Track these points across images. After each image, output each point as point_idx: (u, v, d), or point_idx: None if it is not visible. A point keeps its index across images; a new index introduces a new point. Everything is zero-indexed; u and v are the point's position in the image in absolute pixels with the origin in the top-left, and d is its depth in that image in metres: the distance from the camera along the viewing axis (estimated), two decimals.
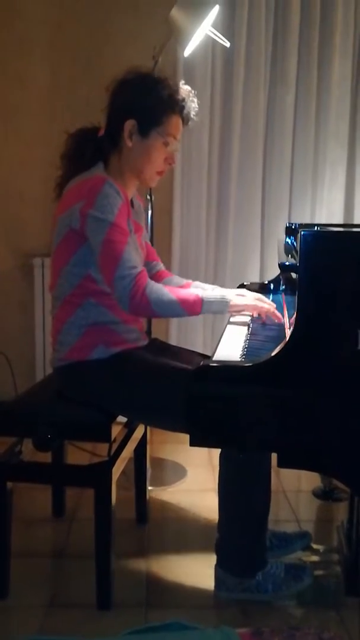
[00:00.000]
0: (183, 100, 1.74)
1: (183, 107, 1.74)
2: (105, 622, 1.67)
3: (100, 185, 1.65)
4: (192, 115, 1.77)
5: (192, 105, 1.76)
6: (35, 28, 2.94)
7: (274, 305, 1.81)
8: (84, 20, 2.94)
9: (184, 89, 1.76)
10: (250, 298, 1.79)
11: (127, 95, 1.73)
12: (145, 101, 1.71)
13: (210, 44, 2.76)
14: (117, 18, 2.93)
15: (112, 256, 1.63)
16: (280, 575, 1.74)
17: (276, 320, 1.77)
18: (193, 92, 1.78)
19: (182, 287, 1.95)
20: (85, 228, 1.65)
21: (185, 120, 1.77)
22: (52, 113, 2.98)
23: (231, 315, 1.95)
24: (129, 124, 1.72)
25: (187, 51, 2.25)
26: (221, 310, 1.72)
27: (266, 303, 1.80)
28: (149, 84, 1.73)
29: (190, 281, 2.01)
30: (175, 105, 1.73)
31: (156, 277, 2.01)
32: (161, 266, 2.06)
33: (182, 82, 1.79)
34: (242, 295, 1.80)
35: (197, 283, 1.99)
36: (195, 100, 1.78)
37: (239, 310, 1.77)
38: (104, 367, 1.73)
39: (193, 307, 1.67)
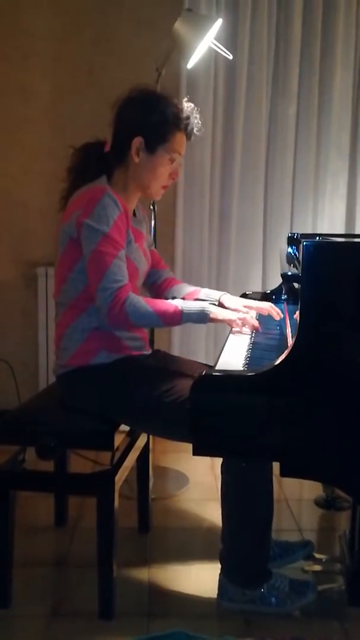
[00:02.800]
0: (187, 117, 1.79)
1: (187, 124, 1.80)
2: (108, 631, 1.67)
3: (99, 195, 1.69)
4: (195, 132, 1.83)
5: (196, 121, 1.82)
6: (38, 41, 2.97)
7: (253, 314, 1.84)
8: (87, 33, 2.97)
9: (188, 106, 1.81)
10: (230, 312, 1.81)
11: (134, 113, 1.78)
12: (152, 119, 1.76)
13: (213, 57, 2.78)
14: (120, 31, 2.96)
15: (99, 267, 1.67)
16: (284, 590, 1.74)
17: (252, 330, 1.80)
18: (196, 109, 1.83)
19: (190, 294, 1.98)
20: (80, 236, 1.69)
21: (189, 136, 1.83)
22: (55, 125, 3.01)
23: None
24: (137, 141, 1.76)
25: (190, 64, 2.28)
26: (202, 321, 1.75)
27: (244, 312, 1.82)
28: (155, 102, 1.78)
29: (198, 288, 2.02)
30: (180, 123, 1.78)
31: (165, 284, 2.03)
32: (170, 273, 2.08)
33: (185, 99, 1.84)
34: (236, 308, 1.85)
35: (206, 290, 2.00)
36: (198, 116, 1.83)
37: (221, 322, 1.78)
38: (106, 372, 1.74)
39: (172, 319, 1.72)
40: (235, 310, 1.85)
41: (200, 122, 1.83)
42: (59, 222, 1.79)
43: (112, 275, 1.66)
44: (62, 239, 1.76)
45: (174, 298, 1.97)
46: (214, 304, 1.84)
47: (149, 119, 1.76)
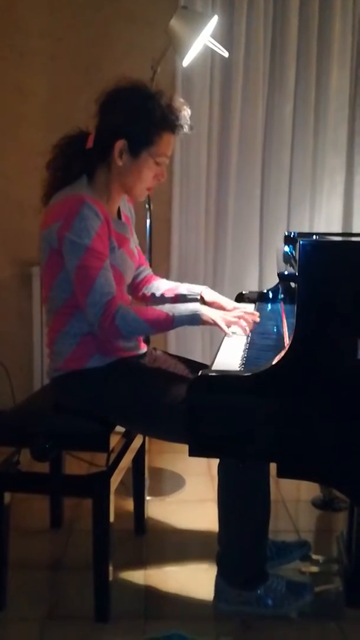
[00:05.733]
0: (176, 116, 1.70)
1: (175, 124, 1.71)
2: (104, 634, 1.66)
3: (78, 206, 1.63)
4: (185, 129, 1.74)
5: (184, 120, 1.72)
6: (34, 39, 2.96)
7: (241, 315, 1.79)
8: (83, 31, 2.96)
9: (177, 102, 1.72)
10: (223, 312, 1.78)
11: (118, 113, 1.70)
12: (137, 122, 1.68)
13: (208, 54, 2.77)
14: (116, 29, 2.95)
15: (85, 282, 1.64)
16: (281, 591, 1.73)
17: (244, 331, 1.77)
18: (186, 105, 1.74)
19: (170, 289, 1.98)
20: (62, 250, 1.65)
21: (177, 134, 1.74)
22: (51, 124, 2.99)
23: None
24: (120, 144, 1.69)
25: (186, 61, 2.27)
26: (195, 324, 1.74)
27: (233, 315, 1.78)
28: (140, 101, 1.68)
29: (178, 283, 2.01)
30: (166, 124, 1.70)
31: (143, 282, 2.02)
32: (148, 271, 2.06)
33: (175, 96, 1.74)
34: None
35: (187, 285, 1.99)
36: (188, 109, 1.74)
37: (212, 324, 1.74)
38: (100, 375, 1.73)
39: (163, 326, 1.71)
40: (221, 307, 1.84)
41: (189, 120, 1.74)
42: (40, 226, 1.72)
43: (99, 289, 1.63)
44: (43, 247, 1.71)
45: (153, 295, 1.98)
46: (196, 299, 1.84)
47: (133, 120, 1.69)
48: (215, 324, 1.72)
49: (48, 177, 1.78)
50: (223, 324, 1.72)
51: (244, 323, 1.76)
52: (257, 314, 1.83)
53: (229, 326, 1.74)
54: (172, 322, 1.69)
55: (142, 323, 1.67)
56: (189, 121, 1.75)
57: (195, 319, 1.71)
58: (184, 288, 1.96)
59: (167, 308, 1.72)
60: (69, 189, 1.71)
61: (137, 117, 1.69)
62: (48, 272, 1.74)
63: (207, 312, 1.73)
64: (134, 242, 1.91)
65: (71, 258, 1.64)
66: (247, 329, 1.77)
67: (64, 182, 1.74)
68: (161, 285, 2.01)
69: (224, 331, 1.74)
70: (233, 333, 1.80)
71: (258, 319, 1.81)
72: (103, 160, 1.74)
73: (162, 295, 1.99)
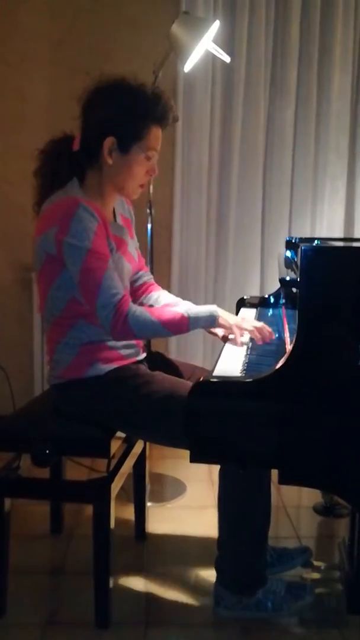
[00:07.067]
0: (162, 108, 1.67)
1: (162, 116, 1.68)
2: None
3: (73, 208, 1.60)
4: (171, 121, 1.71)
5: (170, 110, 1.69)
6: (35, 44, 2.97)
7: (261, 326, 1.77)
8: (84, 36, 2.97)
9: (158, 94, 1.68)
10: (237, 319, 1.77)
11: (104, 110, 1.67)
12: (123, 117, 1.65)
13: (210, 59, 2.78)
14: (117, 34, 2.96)
15: (92, 285, 1.60)
16: (280, 593, 1.72)
17: (260, 342, 1.74)
18: (166, 92, 1.71)
19: (168, 305, 1.88)
20: (62, 255, 1.62)
21: (165, 126, 1.72)
22: (52, 128, 2.96)
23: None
24: (108, 142, 1.66)
25: (188, 66, 2.27)
26: (210, 326, 1.72)
27: (249, 326, 1.75)
28: (124, 95, 1.66)
29: (178, 300, 1.92)
30: (153, 116, 1.67)
31: (142, 289, 1.97)
32: (149, 277, 2.00)
33: (155, 85, 1.70)
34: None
35: (188, 305, 1.84)
36: (171, 100, 1.71)
37: (226, 327, 1.74)
38: (101, 384, 1.71)
39: (178, 327, 1.67)
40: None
41: (173, 106, 1.71)
42: (34, 233, 1.70)
43: (107, 290, 1.60)
44: (38, 253, 1.67)
45: (151, 306, 1.91)
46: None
47: (119, 116, 1.65)
48: (229, 328, 1.71)
49: (37, 183, 1.75)
50: (237, 332, 1.71)
51: (258, 335, 1.74)
52: (270, 329, 1.77)
53: (242, 335, 1.73)
54: (188, 323, 1.66)
55: (156, 324, 1.64)
56: (173, 105, 1.71)
57: (211, 321, 1.69)
58: (183, 308, 1.73)
59: (183, 308, 1.70)
60: (61, 192, 1.69)
61: (123, 112, 1.66)
62: (43, 280, 1.71)
63: (223, 314, 1.71)
64: (133, 244, 1.89)
65: (73, 262, 1.61)
66: (262, 340, 1.74)
67: (54, 187, 1.71)
68: (161, 299, 1.95)
69: (236, 340, 1.72)
70: (244, 344, 1.76)
71: (274, 336, 1.75)
72: (93, 162, 1.71)
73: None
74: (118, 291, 1.62)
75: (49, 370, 1.82)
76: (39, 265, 1.70)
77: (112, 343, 1.74)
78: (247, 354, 1.71)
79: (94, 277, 1.60)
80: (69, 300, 1.68)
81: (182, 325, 1.66)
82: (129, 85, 1.69)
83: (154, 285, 2.00)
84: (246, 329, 1.74)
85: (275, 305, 2.20)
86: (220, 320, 1.70)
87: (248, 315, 2.10)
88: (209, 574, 1.78)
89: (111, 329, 1.61)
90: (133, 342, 1.82)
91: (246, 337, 1.76)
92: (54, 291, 1.69)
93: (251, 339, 1.78)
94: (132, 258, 1.85)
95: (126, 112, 1.66)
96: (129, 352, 1.80)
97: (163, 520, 2.31)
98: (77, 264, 1.60)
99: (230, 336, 1.79)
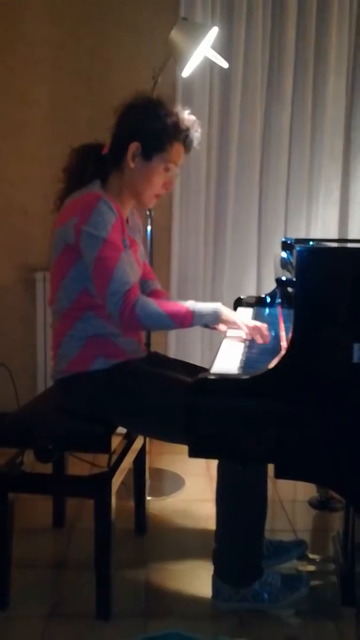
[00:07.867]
0: (187, 129, 1.79)
1: (187, 137, 1.80)
2: (105, 632, 1.69)
3: (94, 201, 1.69)
4: (194, 145, 1.83)
5: (196, 135, 1.82)
6: (37, 49, 3.00)
7: (265, 327, 1.81)
8: (85, 41, 3.00)
9: (190, 119, 1.81)
10: (242, 316, 1.82)
11: (135, 119, 1.78)
12: (152, 127, 1.76)
13: (208, 65, 2.81)
14: (117, 39, 2.99)
15: (104, 273, 1.67)
16: (276, 585, 1.76)
17: (260, 341, 1.79)
18: (198, 122, 1.82)
19: None
20: (79, 244, 1.70)
21: (188, 148, 1.83)
22: (53, 132, 3.04)
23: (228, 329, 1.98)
24: (134, 146, 1.76)
25: (186, 72, 2.30)
26: (214, 322, 1.77)
27: (253, 323, 1.80)
28: (157, 110, 1.77)
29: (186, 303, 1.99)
30: (179, 134, 1.78)
31: (150, 296, 2.00)
32: (156, 285, 2.08)
33: (187, 111, 1.82)
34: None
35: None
36: (199, 130, 1.83)
37: (230, 323, 1.80)
38: (104, 378, 1.76)
39: (183, 320, 1.72)
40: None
41: (200, 136, 1.83)
42: (53, 226, 1.79)
43: (118, 279, 1.66)
44: (56, 243, 1.76)
45: None
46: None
47: (148, 125, 1.77)
48: (234, 323, 1.77)
49: (63, 181, 1.84)
50: (243, 325, 1.77)
51: (259, 336, 1.78)
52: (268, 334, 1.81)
53: (248, 330, 1.78)
54: (192, 317, 1.72)
55: (162, 314, 1.69)
56: (199, 136, 1.83)
57: (215, 317, 1.75)
58: (189, 302, 1.78)
59: (189, 304, 1.75)
60: (84, 190, 1.78)
61: (152, 123, 1.76)
62: (58, 269, 1.78)
63: (227, 311, 1.77)
64: (140, 253, 1.96)
65: (90, 251, 1.68)
66: (261, 340, 1.79)
67: (78, 185, 1.79)
68: None
69: (244, 330, 1.78)
70: (245, 339, 1.81)
71: (268, 340, 1.79)
72: (116, 165, 1.80)
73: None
74: (128, 281, 1.68)
75: (53, 366, 1.86)
76: (55, 255, 1.77)
77: (115, 338, 1.79)
78: (244, 352, 1.75)
79: (108, 265, 1.67)
80: (81, 292, 1.74)
81: (186, 318, 1.72)
82: (163, 103, 1.81)
83: (161, 292, 2.07)
84: (251, 326, 1.79)
85: (272, 304, 2.24)
86: (224, 317, 1.75)
87: (245, 314, 2.15)
88: (208, 567, 1.80)
89: (119, 316, 1.67)
90: (134, 339, 1.87)
91: (242, 333, 1.81)
92: (68, 281, 1.75)
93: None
94: (139, 262, 1.92)
95: (154, 123, 1.76)
96: (131, 348, 1.85)
97: (162, 514, 2.34)
98: (93, 253, 1.67)
99: (229, 333, 1.82)
